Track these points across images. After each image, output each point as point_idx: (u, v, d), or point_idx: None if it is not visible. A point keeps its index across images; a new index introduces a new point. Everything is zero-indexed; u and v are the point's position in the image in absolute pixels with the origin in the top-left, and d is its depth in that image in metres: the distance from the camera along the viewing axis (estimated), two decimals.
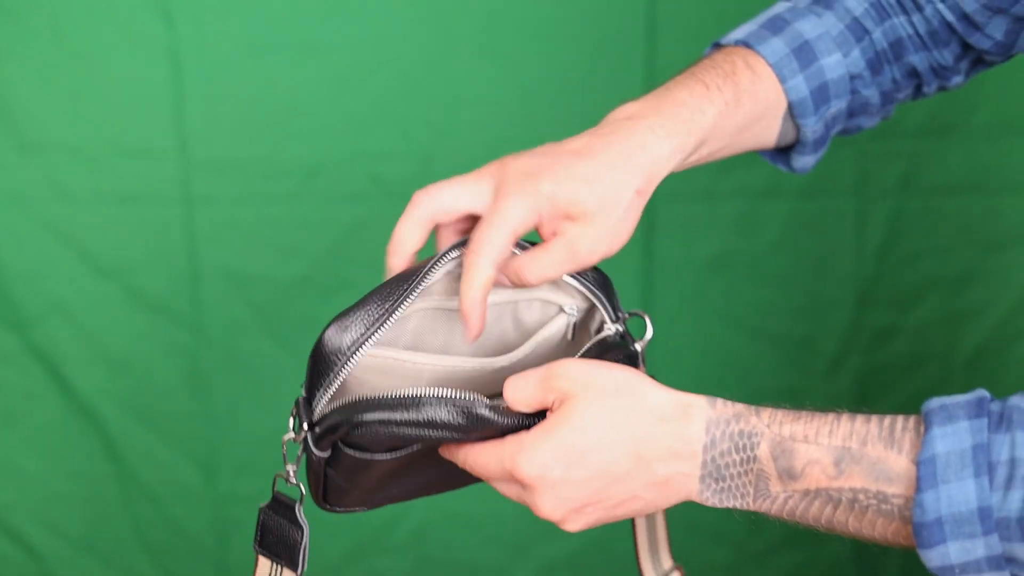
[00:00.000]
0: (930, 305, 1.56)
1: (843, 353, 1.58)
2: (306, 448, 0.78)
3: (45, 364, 1.55)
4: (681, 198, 1.54)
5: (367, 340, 0.76)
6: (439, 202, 0.79)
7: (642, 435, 0.72)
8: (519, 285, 0.79)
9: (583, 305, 0.84)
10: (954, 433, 0.67)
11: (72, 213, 1.51)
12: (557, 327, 0.84)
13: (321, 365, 0.77)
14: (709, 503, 0.72)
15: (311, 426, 0.77)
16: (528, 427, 0.74)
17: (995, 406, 0.68)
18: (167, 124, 1.49)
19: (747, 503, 0.71)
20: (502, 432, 0.75)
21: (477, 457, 0.76)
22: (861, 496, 0.69)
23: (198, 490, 1.59)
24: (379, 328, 0.77)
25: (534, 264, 0.78)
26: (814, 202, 1.54)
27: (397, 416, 0.74)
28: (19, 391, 1.55)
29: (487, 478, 0.77)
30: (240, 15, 1.48)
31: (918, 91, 0.98)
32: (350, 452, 0.77)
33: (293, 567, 0.81)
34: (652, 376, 0.76)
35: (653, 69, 1.49)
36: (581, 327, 0.85)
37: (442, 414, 0.74)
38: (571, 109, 1.49)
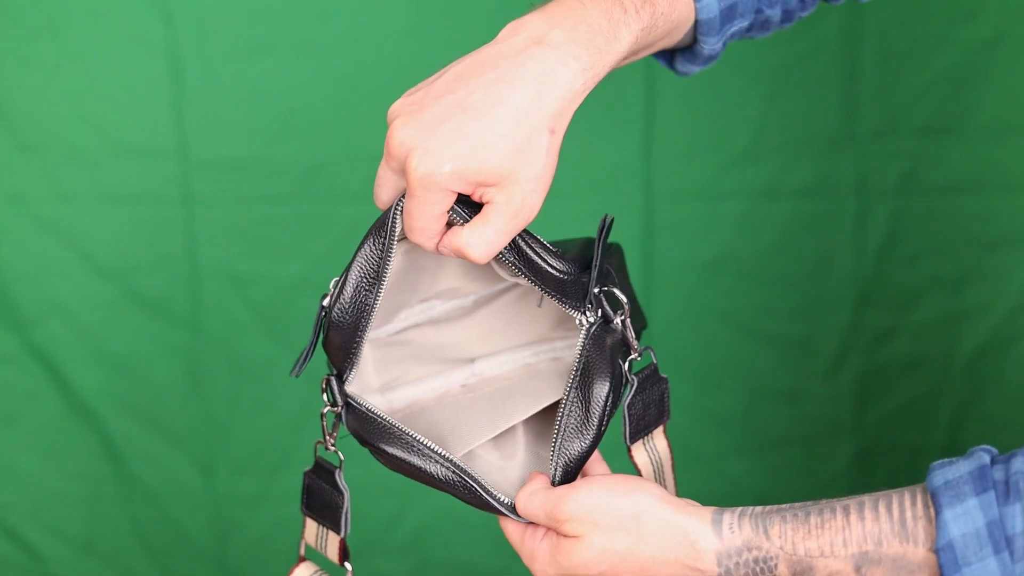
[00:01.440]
0: (930, 305, 1.56)
1: (843, 353, 1.58)
2: (339, 416, 0.82)
3: (44, 364, 1.55)
4: (680, 198, 1.54)
5: (374, 305, 0.80)
6: (432, 230, 0.79)
7: (654, 568, 0.74)
8: (468, 261, 0.79)
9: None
10: (965, 514, 0.68)
11: (72, 213, 1.51)
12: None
13: (342, 337, 0.81)
14: None
15: (345, 404, 0.81)
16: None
17: (998, 474, 0.69)
18: (167, 124, 1.49)
19: None
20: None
21: (529, 501, 0.79)
22: None
23: (197, 490, 1.59)
24: (380, 288, 0.80)
25: (476, 240, 0.77)
26: (814, 202, 1.54)
27: (412, 459, 0.78)
28: (18, 391, 1.55)
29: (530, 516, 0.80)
30: (240, 15, 1.48)
31: (825, 3, 0.97)
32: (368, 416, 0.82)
33: (336, 530, 0.83)
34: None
35: (653, 68, 1.49)
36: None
37: (455, 488, 0.79)
38: None
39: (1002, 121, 1.50)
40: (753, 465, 1.60)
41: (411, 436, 0.78)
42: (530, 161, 0.76)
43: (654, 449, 0.87)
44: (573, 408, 0.80)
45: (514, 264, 0.80)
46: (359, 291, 0.80)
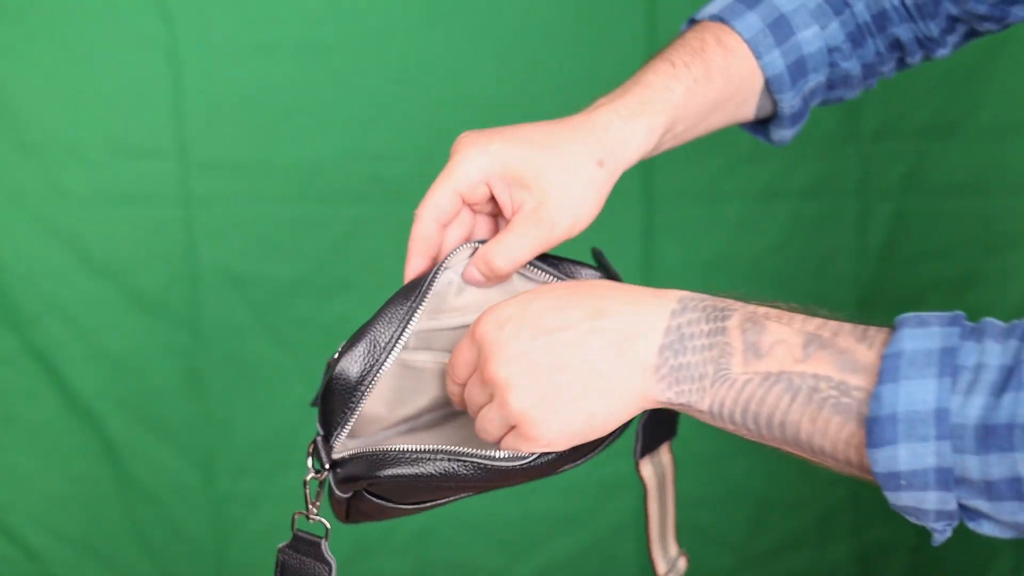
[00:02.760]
0: (932, 306, 1.55)
1: None
2: (328, 486, 0.78)
3: (43, 364, 1.54)
4: (682, 199, 1.54)
5: (378, 371, 0.75)
6: (440, 208, 0.78)
7: (603, 288, 0.71)
8: (493, 276, 0.77)
9: None
10: (924, 335, 0.66)
11: (71, 213, 1.51)
12: None
13: (335, 401, 0.76)
14: (661, 395, 0.68)
15: (332, 467, 0.77)
16: (549, 462, 0.72)
17: (969, 323, 0.66)
18: (166, 124, 1.49)
19: (703, 387, 0.67)
20: (527, 477, 0.73)
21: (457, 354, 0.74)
22: (823, 385, 0.66)
23: (197, 490, 1.59)
24: (388, 356, 0.75)
25: (500, 248, 0.76)
26: (815, 203, 1.54)
27: (414, 471, 0.74)
28: (17, 391, 1.55)
29: (463, 374, 0.74)
30: (240, 15, 1.48)
31: (901, 63, 0.97)
32: (375, 500, 0.77)
33: None
34: None
35: None
36: None
37: (458, 469, 0.73)
38: (571, 109, 1.49)
39: (1004, 122, 1.50)
40: (754, 467, 1.59)
41: (394, 450, 0.75)
42: (570, 180, 0.78)
43: (659, 463, 0.87)
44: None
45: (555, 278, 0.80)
46: (370, 354, 0.75)
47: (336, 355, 0.77)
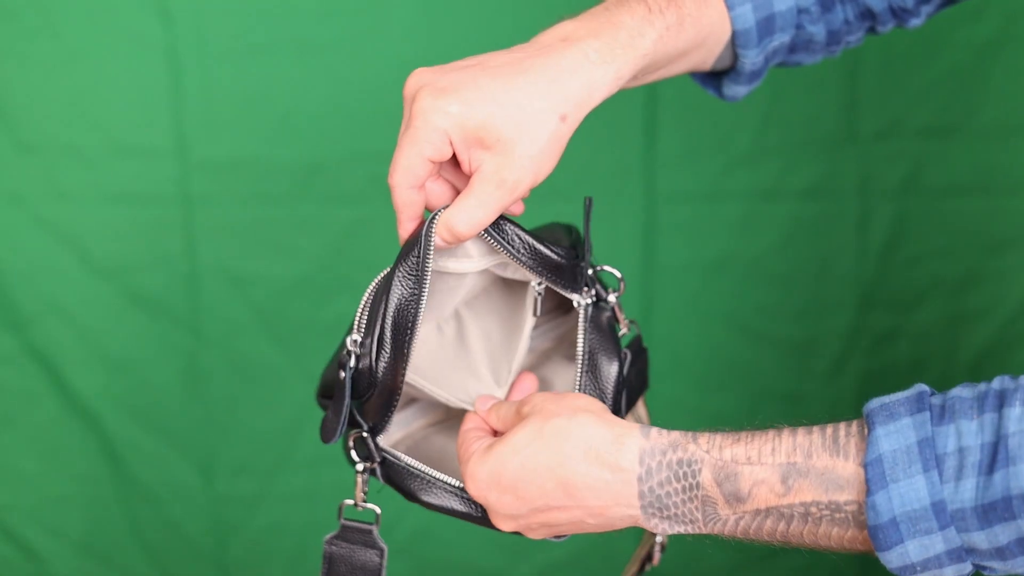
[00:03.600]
0: (933, 307, 1.56)
1: (845, 355, 1.57)
2: (373, 471, 0.80)
3: (43, 364, 1.54)
4: (682, 199, 1.54)
5: (404, 365, 0.77)
6: (412, 173, 0.77)
7: (568, 466, 0.70)
8: (454, 241, 0.77)
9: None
10: (897, 431, 0.66)
11: (70, 213, 1.51)
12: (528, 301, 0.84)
13: (378, 396, 0.77)
14: (658, 530, 0.71)
15: (382, 460, 0.79)
16: None
17: (936, 399, 0.66)
18: (166, 124, 1.49)
19: (697, 528, 0.70)
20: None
21: (468, 459, 0.77)
22: (813, 509, 0.68)
23: (196, 491, 1.59)
24: (411, 344, 0.76)
25: (461, 213, 0.76)
26: (816, 204, 1.54)
27: (452, 504, 0.78)
28: (17, 391, 1.55)
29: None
30: (239, 15, 1.47)
31: (871, 31, 0.95)
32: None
33: None
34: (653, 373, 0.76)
35: None
36: (549, 296, 0.85)
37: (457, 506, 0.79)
38: None
39: (1005, 122, 1.50)
40: None
41: (444, 481, 0.78)
42: (532, 137, 0.75)
43: (638, 417, 0.90)
44: (587, 391, 0.80)
45: (523, 253, 0.79)
46: (397, 345, 0.76)
47: (347, 351, 0.77)
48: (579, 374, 0.81)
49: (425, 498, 0.78)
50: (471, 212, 0.76)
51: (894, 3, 0.92)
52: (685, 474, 0.69)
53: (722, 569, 1.63)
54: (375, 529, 0.79)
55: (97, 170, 1.50)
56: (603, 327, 0.81)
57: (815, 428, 0.69)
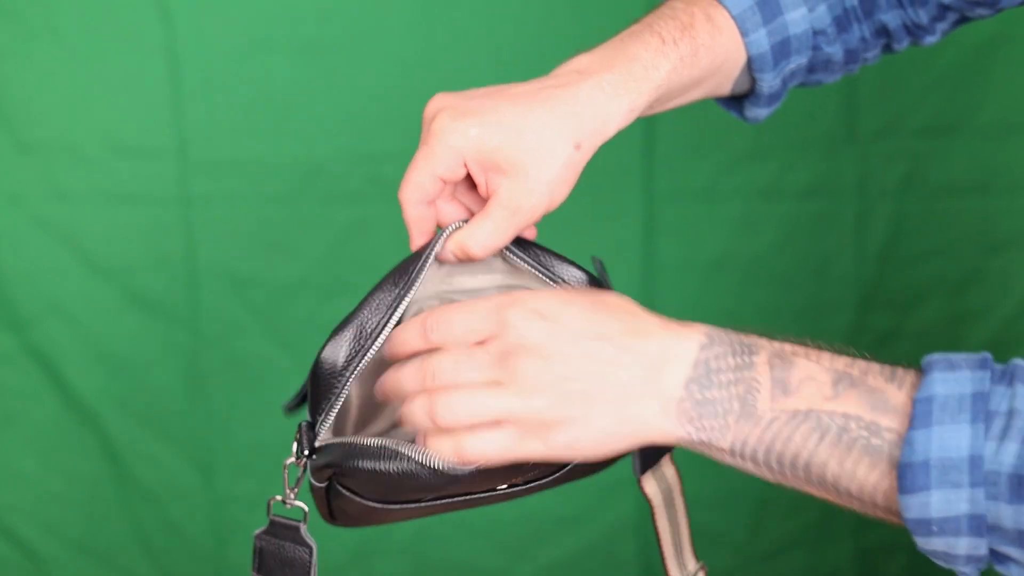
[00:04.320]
0: (932, 307, 1.56)
1: None
2: (307, 473, 0.77)
3: (43, 364, 1.54)
4: (682, 199, 1.54)
5: (364, 357, 0.75)
6: (422, 190, 0.77)
7: (642, 313, 0.70)
8: (466, 259, 0.77)
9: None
10: (955, 380, 0.65)
11: (70, 213, 1.51)
12: None
13: (321, 387, 0.76)
14: (679, 430, 0.67)
15: (311, 453, 0.76)
16: (539, 475, 0.73)
17: (998, 366, 0.66)
18: (166, 124, 1.49)
19: (727, 424, 0.66)
20: (476, 485, 0.73)
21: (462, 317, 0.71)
22: (852, 425, 0.65)
23: (196, 491, 1.59)
24: (374, 343, 0.75)
25: (476, 233, 0.76)
26: (815, 203, 1.54)
27: (378, 467, 0.72)
28: (17, 391, 1.55)
29: (457, 336, 0.71)
30: (239, 15, 1.47)
31: (887, 49, 0.95)
32: (345, 493, 0.76)
33: None
34: None
35: None
36: None
37: (417, 470, 0.71)
38: None
39: (1004, 121, 1.50)
40: None
41: (366, 443, 0.73)
42: (547, 164, 0.77)
43: (663, 477, 0.85)
44: None
45: (543, 274, 0.79)
46: (356, 340, 0.75)
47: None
48: None
49: (362, 463, 0.72)
50: (487, 235, 0.77)
51: (908, 20, 0.92)
52: (743, 350, 0.67)
53: (722, 571, 1.63)
54: (303, 527, 0.78)
55: (97, 170, 1.50)
56: None
57: (876, 361, 0.68)
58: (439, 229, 0.79)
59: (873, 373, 0.67)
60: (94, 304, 1.53)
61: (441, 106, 0.78)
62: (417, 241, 0.79)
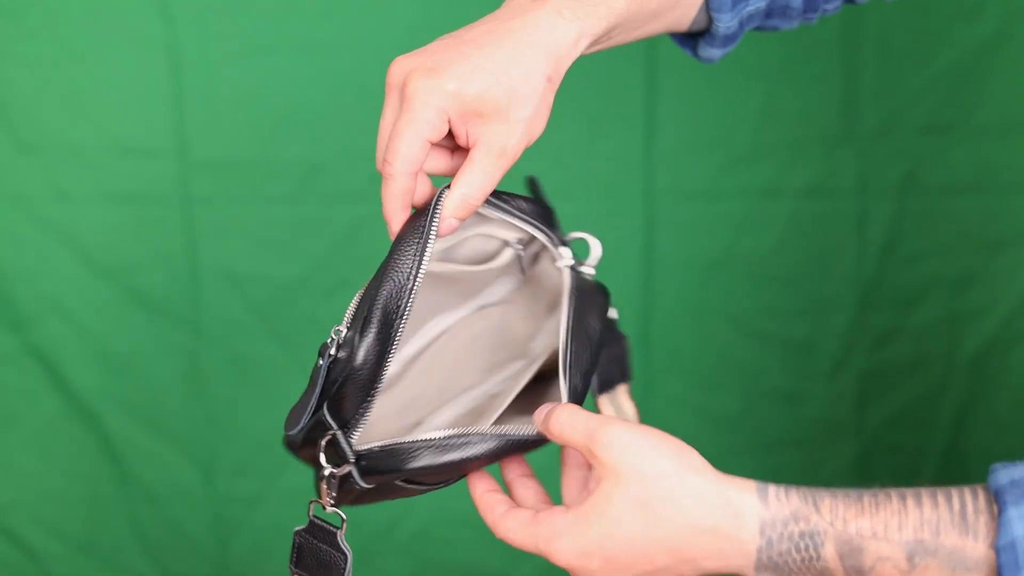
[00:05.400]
0: (932, 306, 1.56)
1: (844, 354, 1.57)
2: (347, 478, 0.77)
3: (44, 364, 1.54)
4: (681, 197, 1.54)
5: (390, 356, 0.74)
6: (413, 158, 0.76)
7: (683, 538, 0.68)
8: (467, 216, 0.77)
9: (524, 238, 0.83)
10: None
11: (71, 213, 1.51)
12: (506, 259, 0.84)
13: (350, 387, 0.75)
14: None
15: (357, 460, 0.76)
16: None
17: None
18: (166, 124, 1.49)
19: None
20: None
21: (509, 531, 0.74)
22: None
23: (197, 490, 1.59)
24: (397, 338, 0.74)
25: (471, 187, 0.76)
26: (815, 202, 1.54)
27: (444, 459, 0.74)
28: (18, 391, 1.55)
29: (518, 547, 0.75)
30: (240, 15, 1.48)
31: (850, 1, 0.95)
32: (401, 484, 0.77)
33: None
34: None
35: (654, 66, 1.49)
36: (534, 261, 0.85)
37: (487, 447, 0.74)
38: (571, 108, 1.49)
39: (1004, 120, 1.50)
40: (754, 466, 1.59)
41: (435, 439, 0.74)
42: (524, 101, 0.76)
43: (623, 412, 0.87)
44: (576, 346, 0.78)
45: (517, 210, 0.80)
46: (384, 328, 0.74)
47: (331, 339, 0.75)
48: (567, 329, 0.78)
49: (412, 465, 0.74)
50: (479, 185, 0.76)
51: None
52: (807, 546, 0.66)
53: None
54: (340, 534, 0.78)
55: (98, 170, 1.50)
56: (585, 285, 0.81)
57: (940, 498, 0.66)
58: (414, 208, 0.78)
59: (945, 530, 0.65)
60: (94, 304, 1.53)
61: (407, 69, 0.76)
62: (399, 216, 0.77)
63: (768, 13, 0.91)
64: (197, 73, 1.48)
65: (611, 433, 0.70)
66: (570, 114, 1.47)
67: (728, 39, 0.89)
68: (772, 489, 0.67)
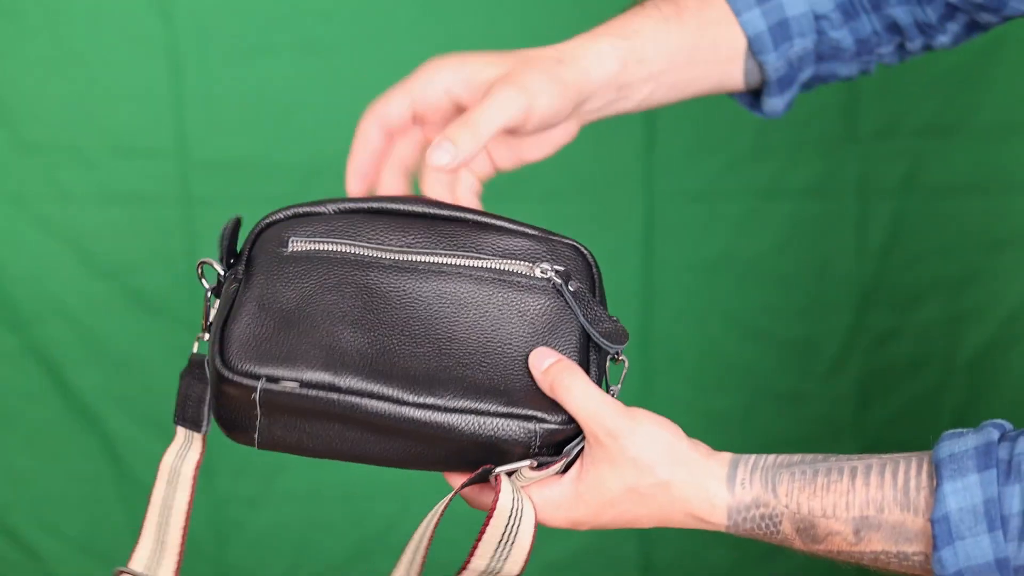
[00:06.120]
0: (932, 306, 1.56)
1: (844, 355, 1.57)
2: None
3: (44, 364, 1.54)
4: (682, 198, 1.54)
5: None
6: (387, 114, 0.80)
7: (669, 518, 0.77)
8: (470, 147, 0.78)
9: None
10: (964, 489, 0.69)
11: (71, 213, 1.51)
12: None
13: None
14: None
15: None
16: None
17: (1003, 452, 0.69)
18: (166, 124, 1.49)
19: (771, 543, 0.76)
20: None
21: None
22: (882, 556, 0.72)
23: (197, 490, 1.59)
24: None
25: (482, 113, 0.78)
26: (815, 203, 1.54)
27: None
28: (18, 391, 1.55)
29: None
30: (240, 15, 1.48)
31: (902, 48, 0.95)
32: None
33: (198, 426, 0.80)
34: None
35: None
36: None
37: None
38: None
39: (1005, 121, 1.50)
40: None
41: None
42: (546, 98, 0.81)
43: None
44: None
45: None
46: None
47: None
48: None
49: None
50: (491, 113, 0.78)
51: (917, 17, 0.92)
52: (767, 525, 0.74)
53: (720, 568, 1.63)
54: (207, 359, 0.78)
55: (98, 170, 1.50)
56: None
57: (887, 475, 0.72)
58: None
59: (889, 507, 0.72)
60: (94, 304, 1.53)
61: (529, 55, 0.82)
62: (353, 164, 0.81)
63: (820, 56, 0.92)
64: (197, 73, 1.48)
65: (618, 422, 0.76)
66: None
67: (783, 83, 0.91)
68: (739, 475, 0.74)
